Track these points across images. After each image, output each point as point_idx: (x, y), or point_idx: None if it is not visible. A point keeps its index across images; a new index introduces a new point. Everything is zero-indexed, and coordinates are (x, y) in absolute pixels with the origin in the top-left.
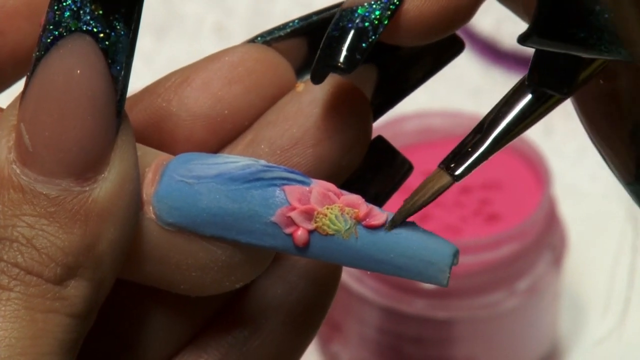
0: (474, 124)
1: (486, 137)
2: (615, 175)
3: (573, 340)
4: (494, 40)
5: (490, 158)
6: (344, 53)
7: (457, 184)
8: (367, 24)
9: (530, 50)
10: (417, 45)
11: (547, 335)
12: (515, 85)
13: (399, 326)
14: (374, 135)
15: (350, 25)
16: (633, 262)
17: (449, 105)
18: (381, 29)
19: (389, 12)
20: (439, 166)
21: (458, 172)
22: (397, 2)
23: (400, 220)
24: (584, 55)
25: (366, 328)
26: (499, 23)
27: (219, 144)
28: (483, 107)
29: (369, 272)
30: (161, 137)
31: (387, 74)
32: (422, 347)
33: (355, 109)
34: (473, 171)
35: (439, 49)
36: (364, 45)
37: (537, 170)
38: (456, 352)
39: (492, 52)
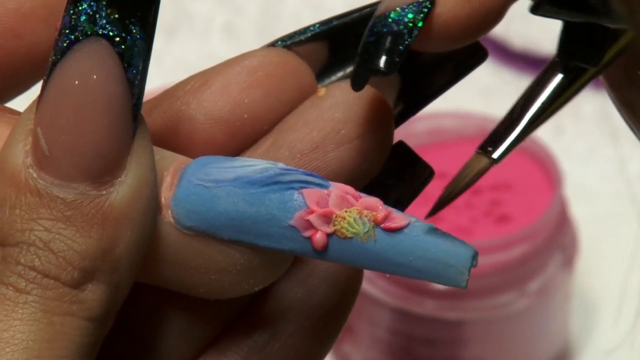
0: (484, 124)
1: (521, 118)
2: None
3: (584, 342)
4: (504, 41)
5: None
6: (382, 56)
7: None
8: (401, 27)
9: (540, 51)
10: (447, 49)
11: (558, 336)
12: (546, 66)
13: (409, 327)
14: (395, 140)
15: (385, 29)
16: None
17: (459, 106)
18: (416, 32)
19: (422, 15)
20: (477, 151)
21: (496, 154)
22: (430, 6)
23: (443, 206)
24: (595, 21)
25: (377, 329)
26: (509, 24)
27: (238, 148)
28: (493, 108)
29: (387, 275)
30: (180, 140)
31: (409, 81)
32: (432, 348)
33: (377, 115)
34: (509, 154)
35: (461, 57)
36: (400, 47)
37: (547, 171)
38: (467, 353)
39: (502, 52)
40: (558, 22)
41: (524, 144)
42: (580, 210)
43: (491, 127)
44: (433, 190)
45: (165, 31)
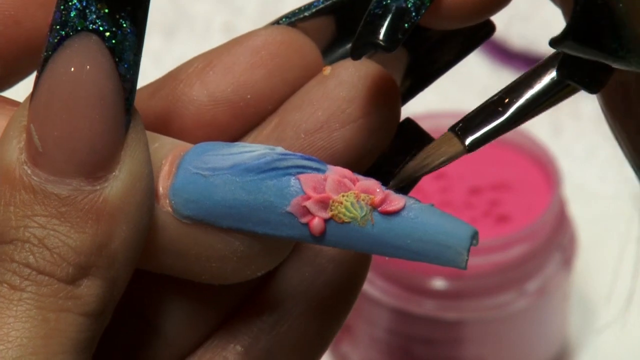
0: None
1: (504, 112)
2: (627, 160)
3: (582, 341)
4: (504, 41)
5: (499, 156)
6: (385, 31)
7: (466, 185)
8: (410, 4)
9: (540, 51)
10: (456, 27)
11: (557, 335)
12: (537, 63)
13: (408, 327)
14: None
15: (393, 4)
16: (639, 261)
17: (458, 106)
18: (423, 10)
19: None
20: (450, 130)
21: (469, 141)
22: None
23: (402, 183)
24: (612, 65)
25: (376, 329)
26: (509, 23)
27: (242, 129)
28: None
29: (386, 267)
30: (183, 122)
31: (416, 56)
32: (431, 348)
33: (383, 93)
34: (483, 145)
35: (468, 31)
36: (406, 25)
37: (546, 171)
38: (466, 353)
39: (501, 52)
40: (558, 24)
41: (523, 144)
42: (579, 211)
43: None
44: (431, 189)
45: (165, 31)
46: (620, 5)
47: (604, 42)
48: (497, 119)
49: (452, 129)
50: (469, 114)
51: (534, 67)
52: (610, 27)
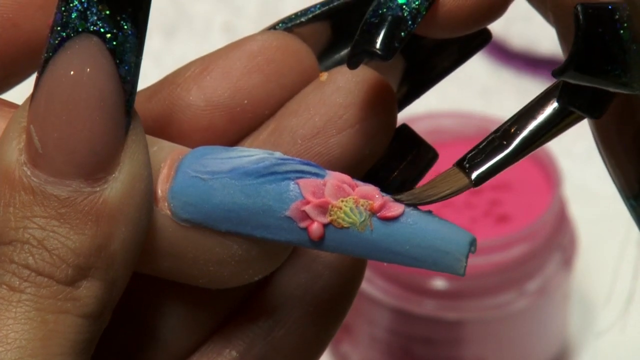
0: (483, 124)
1: (510, 145)
2: (617, 189)
3: (583, 341)
4: (504, 41)
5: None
6: (382, 40)
7: None
8: (406, 13)
9: (540, 51)
10: (451, 37)
11: (557, 335)
12: (541, 94)
13: (408, 327)
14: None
15: (389, 13)
16: (638, 261)
17: (458, 106)
18: (419, 19)
19: (427, 3)
20: (457, 165)
21: (475, 176)
22: None
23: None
24: (615, 91)
25: (376, 329)
26: (509, 24)
27: (239, 134)
28: (492, 108)
29: (385, 266)
30: (181, 127)
31: (413, 63)
32: (432, 348)
33: (379, 99)
34: (489, 179)
35: (465, 39)
36: (402, 34)
37: (547, 171)
38: (466, 353)
39: (501, 52)
40: None
41: None
42: (579, 210)
43: (491, 127)
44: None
45: (165, 31)
46: (622, 31)
47: (606, 70)
48: (502, 152)
49: (458, 163)
50: (473, 148)
51: (537, 98)
52: (612, 53)
